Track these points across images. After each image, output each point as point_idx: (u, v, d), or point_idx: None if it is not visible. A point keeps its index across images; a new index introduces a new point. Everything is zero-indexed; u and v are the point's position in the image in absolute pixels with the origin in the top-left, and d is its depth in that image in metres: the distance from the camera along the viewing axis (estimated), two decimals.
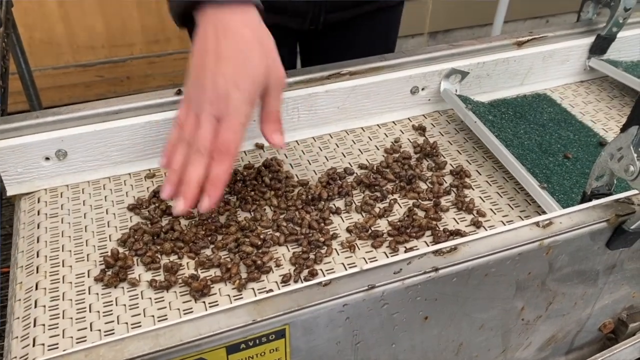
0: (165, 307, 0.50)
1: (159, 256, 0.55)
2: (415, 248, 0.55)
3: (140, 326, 0.48)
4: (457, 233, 0.57)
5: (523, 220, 0.56)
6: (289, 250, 0.55)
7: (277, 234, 0.56)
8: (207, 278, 0.52)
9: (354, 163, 0.67)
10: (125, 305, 0.50)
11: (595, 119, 0.75)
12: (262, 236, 0.56)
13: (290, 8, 0.77)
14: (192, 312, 0.49)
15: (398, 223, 0.58)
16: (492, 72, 0.76)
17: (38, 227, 0.58)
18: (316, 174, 0.65)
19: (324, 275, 0.50)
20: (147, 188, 0.63)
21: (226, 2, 0.52)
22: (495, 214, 0.60)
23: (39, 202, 0.61)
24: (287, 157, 0.67)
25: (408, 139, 0.71)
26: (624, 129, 0.47)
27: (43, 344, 0.46)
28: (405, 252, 0.54)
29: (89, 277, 0.53)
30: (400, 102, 0.73)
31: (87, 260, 0.54)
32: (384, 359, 0.48)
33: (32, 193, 0.62)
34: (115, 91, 1.97)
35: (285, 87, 0.57)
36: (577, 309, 0.56)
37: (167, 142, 0.54)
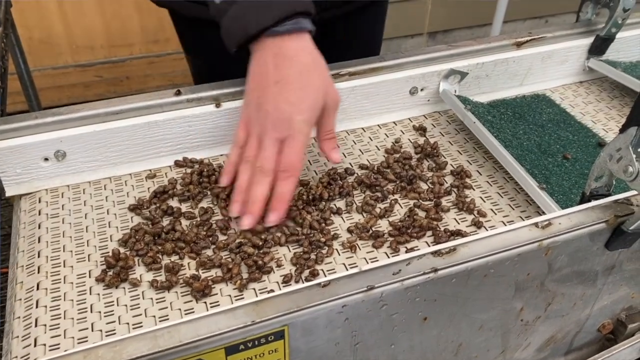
0: (166, 308, 0.50)
1: (160, 256, 0.55)
2: (416, 248, 0.56)
3: (141, 326, 0.48)
4: (458, 233, 0.57)
5: (524, 220, 0.56)
6: (290, 251, 0.55)
7: (278, 234, 0.56)
8: (208, 278, 0.52)
9: (354, 163, 0.67)
10: (126, 305, 0.50)
11: (596, 119, 0.75)
12: (263, 236, 0.56)
13: None
14: (193, 312, 0.49)
15: (399, 223, 0.58)
16: (491, 73, 0.76)
17: (39, 227, 0.58)
18: (317, 174, 0.65)
19: (325, 276, 0.50)
20: (148, 188, 0.63)
21: (285, 31, 0.55)
22: (496, 214, 0.60)
23: (39, 202, 0.61)
24: None
25: (409, 139, 0.71)
26: (622, 129, 0.47)
27: (44, 344, 0.46)
28: (407, 252, 0.54)
29: (90, 277, 0.53)
30: (399, 102, 0.74)
31: (88, 261, 0.54)
32: (383, 359, 0.48)
33: (33, 193, 0.62)
34: (114, 91, 1.97)
35: (339, 107, 0.61)
36: (576, 309, 0.56)
37: (227, 162, 0.60)
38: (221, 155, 0.68)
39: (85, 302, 0.50)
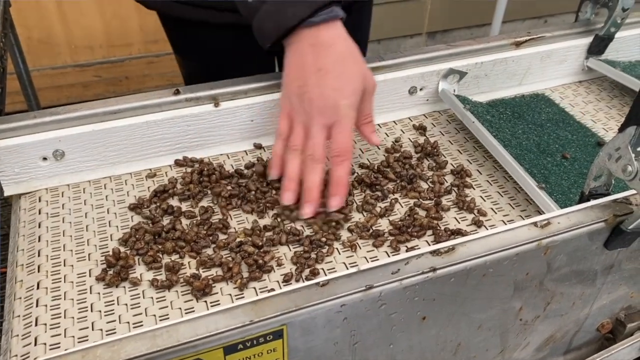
0: (166, 307, 0.50)
1: (161, 255, 0.55)
2: (416, 247, 0.55)
3: (142, 325, 0.48)
4: (458, 232, 0.57)
5: (524, 219, 0.56)
6: (290, 250, 0.55)
7: (279, 233, 0.56)
8: (209, 277, 0.52)
9: (354, 162, 0.67)
10: (126, 304, 0.50)
11: (596, 119, 0.75)
12: (264, 238, 0.56)
13: None
14: (193, 311, 0.49)
15: (399, 222, 0.58)
16: (490, 72, 0.76)
17: (39, 226, 0.58)
18: None
19: (326, 275, 0.50)
20: (148, 187, 0.63)
21: (321, 21, 0.56)
22: (496, 213, 0.60)
23: (39, 201, 0.61)
24: None
25: (409, 139, 0.71)
26: (621, 129, 0.47)
27: (45, 344, 0.46)
28: (407, 251, 0.54)
29: (90, 276, 0.53)
30: (398, 102, 0.73)
31: (89, 260, 0.54)
32: (382, 359, 0.48)
33: (33, 192, 0.62)
34: (113, 91, 1.97)
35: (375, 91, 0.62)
36: (575, 309, 0.56)
37: (273, 154, 0.60)
38: (221, 154, 0.68)
39: (85, 301, 0.50)
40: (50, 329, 0.48)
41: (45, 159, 0.61)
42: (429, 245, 0.55)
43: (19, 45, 1.00)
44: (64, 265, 0.54)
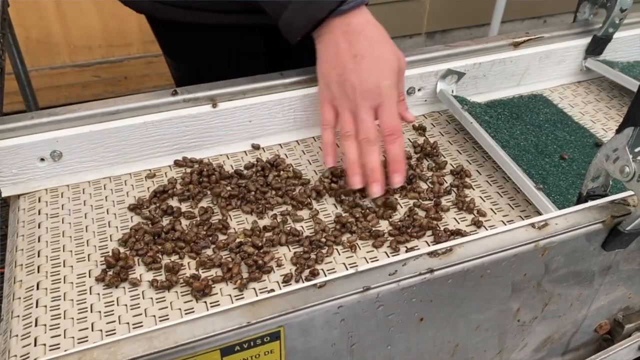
0: (166, 307, 0.50)
1: (160, 256, 0.55)
2: (416, 248, 0.55)
3: (141, 326, 0.48)
4: (458, 233, 0.57)
5: (524, 220, 0.56)
6: (290, 250, 0.55)
7: (279, 234, 0.56)
8: (209, 278, 0.52)
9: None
10: (126, 305, 0.50)
11: (595, 119, 0.75)
12: (263, 239, 0.56)
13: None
14: (193, 312, 0.49)
15: (399, 223, 0.58)
16: (488, 73, 0.76)
17: (39, 227, 0.58)
18: (316, 173, 0.65)
19: (325, 275, 0.50)
20: (148, 188, 0.63)
21: (349, 8, 0.59)
22: (495, 213, 0.60)
23: (39, 201, 0.61)
24: (287, 157, 0.67)
25: (408, 139, 0.71)
26: (619, 130, 0.47)
27: (44, 344, 0.46)
28: (407, 252, 0.54)
29: (90, 277, 0.53)
30: None
31: (88, 261, 0.54)
32: None
33: (32, 192, 0.62)
34: (112, 91, 1.97)
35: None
36: (573, 310, 0.56)
37: (324, 144, 0.63)
38: (220, 155, 0.68)
39: (85, 302, 0.50)
40: (50, 329, 0.48)
41: (43, 159, 0.61)
42: (429, 245, 0.55)
43: (17, 45, 1.00)
44: (64, 266, 0.53)
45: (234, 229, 0.58)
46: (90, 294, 0.51)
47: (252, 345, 0.40)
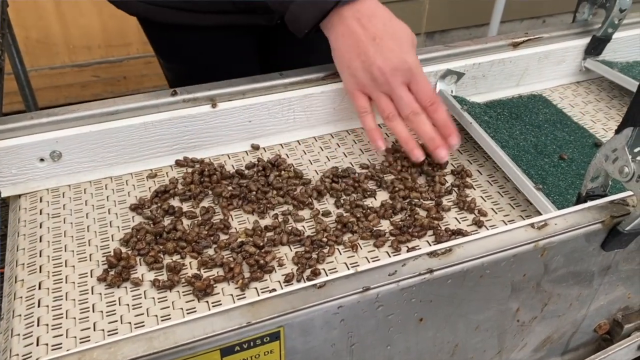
0: (168, 307, 0.50)
1: (162, 256, 0.55)
2: (417, 248, 0.56)
3: (143, 326, 0.48)
4: (459, 232, 0.57)
5: (525, 219, 0.56)
6: (291, 250, 0.55)
7: (280, 234, 0.57)
8: (210, 277, 0.52)
9: (355, 163, 0.67)
10: (128, 305, 0.50)
11: (595, 119, 0.76)
12: (265, 239, 0.56)
13: (261, 6, 0.78)
14: (195, 311, 0.49)
15: (400, 223, 0.58)
16: (487, 73, 0.76)
17: (40, 227, 0.58)
18: (317, 173, 0.65)
19: (327, 275, 0.50)
20: (149, 188, 0.63)
21: None
22: (496, 213, 0.60)
23: (40, 201, 0.61)
24: (288, 157, 0.67)
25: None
26: (618, 130, 0.47)
27: (47, 344, 0.46)
28: (408, 251, 0.54)
29: (91, 277, 0.53)
30: None
31: (90, 260, 0.54)
32: None
33: (33, 192, 0.62)
34: (111, 91, 1.97)
35: None
36: (573, 310, 0.56)
37: (369, 130, 0.64)
38: (220, 155, 0.68)
39: (87, 302, 0.50)
40: (52, 329, 0.48)
41: (42, 160, 0.61)
42: (430, 245, 0.55)
43: (16, 45, 1.00)
44: (66, 266, 0.54)
45: (236, 228, 0.58)
46: (92, 293, 0.51)
47: (252, 345, 0.40)
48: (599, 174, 0.50)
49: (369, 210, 0.59)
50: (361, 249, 0.56)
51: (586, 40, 0.79)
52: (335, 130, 0.72)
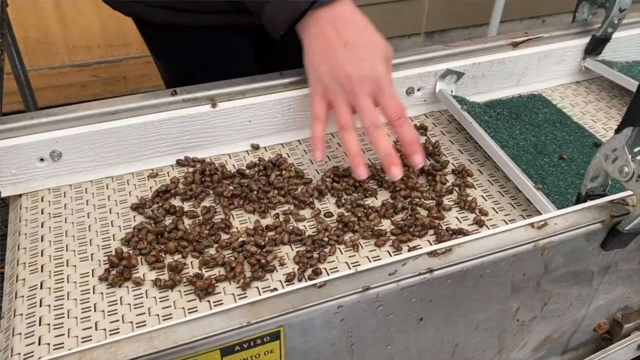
0: (170, 306, 0.50)
1: (163, 255, 0.55)
2: (418, 247, 0.56)
3: (145, 325, 0.48)
4: (460, 232, 0.57)
5: (525, 219, 0.56)
6: (292, 250, 0.56)
7: (281, 233, 0.57)
8: (212, 277, 0.52)
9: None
10: (130, 304, 0.50)
11: (596, 118, 0.76)
12: (266, 238, 0.56)
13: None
14: (197, 311, 0.49)
15: (401, 222, 0.58)
16: (487, 73, 0.76)
17: (42, 226, 0.58)
18: (318, 173, 0.65)
19: (328, 274, 0.50)
20: (150, 187, 0.63)
21: (330, 0, 0.58)
22: (497, 212, 0.60)
23: (42, 200, 0.61)
24: (289, 157, 0.67)
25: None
26: (618, 130, 0.47)
27: (48, 344, 0.46)
28: (409, 251, 0.54)
29: (93, 276, 0.53)
30: None
31: (91, 260, 0.54)
32: None
33: (35, 192, 0.62)
34: (111, 91, 1.97)
35: None
36: (572, 309, 0.56)
37: (314, 138, 0.61)
38: (223, 154, 0.68)
39: (88, 301, 0.50)
40: (54, 329, 0.48)
41: (42, 159, 0.61)
42: (431, 244, 0.56)
43: (16, 45, 1.00)
44: (67, 266, 0.54)
45: (237, 228, 0.58)
46: (94, 293, 0.51)
47: (252, 345, 0.40)
48: (598, 174, 0.50)
49: (370, 210, 0.59)
50: (362, 248, 0.56)
51: (586, 40, 0.79)
52: (336, 130, 0.71)
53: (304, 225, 0.58)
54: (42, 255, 0.54)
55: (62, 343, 0.47)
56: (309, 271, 0.53)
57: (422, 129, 0.72)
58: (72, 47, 1.87)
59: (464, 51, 0.74)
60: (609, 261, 0.53)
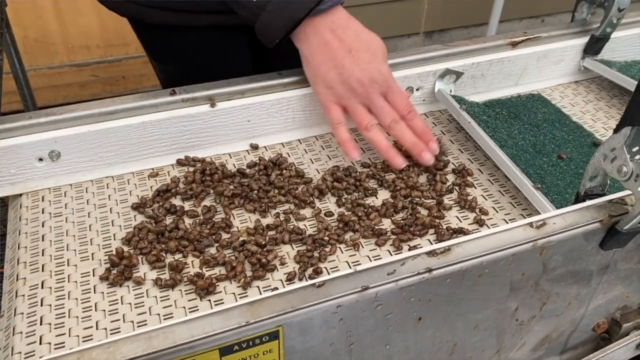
0: (170, 306, 0.50)
1: (164, 255, 0.55)
2: (419, 246, 0.56)
3: (146, 324, 0.48)
4: (460, 231, 0.57)
5: (525, 218, 0.56)
6: (293, 249, 0.56)
7: (282, 232, 0.57)
8: (212, 276, 0.52)
9: (356, 162, 0.67)
10: (130, 303, 0.50)
11: (596, 118, 0.76)
12: (266, 237, 0.56)
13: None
14: (197, 310, 0.50)
15: (401, 221, 0.58)
16: (486, 73, 0.76)
17: (43, 226, 0.58)
18: (319, 172, 0.65)
19: (329, 274, 0.50)
20: (151, 187, 0.63)
21: (329, 7, 0.60)
22: (497, 212, 0.60)
23: (42, 200, 0.61)
24: (289, 156, 0.67)
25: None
26: (617, 129, 0.47)
27: (49, 343, 0.47)
28: (409, 250, 0.54)
29: (94, 276, 0.53)
30: None
31: (92, 259, 0.54)
32: (378, 359, 0.48)
33: (35, 191, 0.62)
34: (110, 91, 1.97)
35: None
36: (571, 309, 0.56)
37: (343, 141, 0.63)
38: (223, 154, 0.68)
39: (89, 301, 0.50)
40: (55, 328, 0.48)
41: (41, 159, 0.61)
42: (431, 244, 0.55)
43: (15, 44, 1.00)
44: (68, 265, 0.54)
45: (237, 227, 0.58)
46: (95, 292, 0.51)
47: (251, 344, 0.40)
48: (597, 173, 0.50)
49: (370, 209, 0.59)
50: (363, 247, 0.56)
51: (585, 39, 0.80)
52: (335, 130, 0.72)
53: (305, 225, 0.58)
54: (42, 255, 0.55)
55: (63, 342, 0.47)
56: (310, 270, 0.53)
57: None
58: (71, 47, 1.87)
59: (463, 51, 0.74)
60: (608, 261, 0.53)
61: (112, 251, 0.55)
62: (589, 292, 0.55)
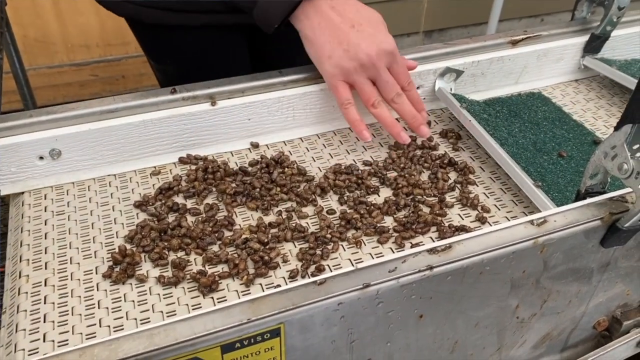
0: (173, 303, 0.50)
1: (167, 252, 0.55)
2: (421, 244, 0.56)
3: (149, 322, 0.48)
4: (462, 229, 0.57)
5: (527, 215, 0.56)
6: (295, 246, 0.56)
7: (284, 230, 0.57)
8: (215, 274, 0.52)
9: (358, 160, 0.67)
10: (133, 301, 0.50)
11: (597, 116, 0.76)
12: (269, 235, 0.56)
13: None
14: (200, 307, 0.50)
15: (403, 219, 0.58)
16: (486, 71, 0.76)
17: (45, 224, 0.58)
18: (320, 170, 0.65)
19: (331, 271, 0.50)
20: (153, 185, 0.63)
21: None
22: (499, 209, 0.60)
23: (45, 198, 0.61)
24: (291, 154, 0.68)
25: (411, 136, 0.71)
26: (617, 127, 0.47)
27: (53, 340, 0.47)
28: (412, 247, 0.54)
29: (97, 273, 0.53)
30: None
31: (95, 257, 0.54)
32: (379, 357, 0.48)
33: (37, 189, 0.62)
34: (110, 90, 1.96)
35: None
36: (572, 306, 0.56)
37: (354, 121, 0.64)
38: (224, 152, 0.68)
39: (92, 299, 0.50)
40: (59, 326, 0.48)
41: (42, 158, 0.61)
42: (433, 241, 0.56)
43: (14, 44, 1.00)
44: (71, 263, 0.54)
45: (240, 225, 0.58)
46: (98, 290, 0.51)
47: (253, 342, 0.40)
48: (598, 171, 0.50)
49: (372, 207, 0.59)
50: (365, 245, 0.56)
51: (585, 38, 0.80)
52: (338, 127, 0.72)
53: (307, 222, 0.58)
54: (45, 253, 0.55)
55: (67, 340, 0.47)
56: (312, 268, 0.53)
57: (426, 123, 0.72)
58: (70, 46, 1.87)
59: (463, 49, 0.74)
60: (608, 258, 0.53)
61: (114, 249, 0.55)
62: (590, 289, 0.55)
